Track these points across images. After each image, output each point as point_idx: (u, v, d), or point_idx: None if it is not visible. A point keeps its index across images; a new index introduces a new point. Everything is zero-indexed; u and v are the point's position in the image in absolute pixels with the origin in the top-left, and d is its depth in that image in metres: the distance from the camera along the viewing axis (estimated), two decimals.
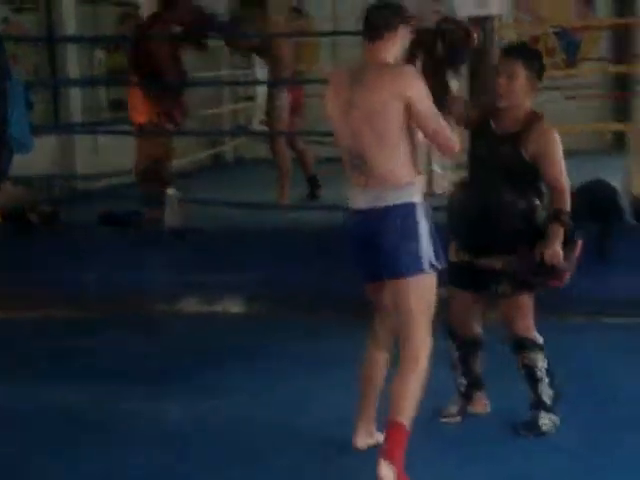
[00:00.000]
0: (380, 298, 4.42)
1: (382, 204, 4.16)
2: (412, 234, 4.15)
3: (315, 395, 5.33)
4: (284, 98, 9.12)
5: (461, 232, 4.72)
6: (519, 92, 4.56)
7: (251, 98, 12.72)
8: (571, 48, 9.30)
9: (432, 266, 4.20)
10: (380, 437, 4.44)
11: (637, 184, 7.74)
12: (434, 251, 4.21)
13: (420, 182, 4.28)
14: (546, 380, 4.71)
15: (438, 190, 8.50)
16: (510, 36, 8.46)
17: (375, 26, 4.22)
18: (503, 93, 4.56)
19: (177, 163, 11.56)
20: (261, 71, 9.24)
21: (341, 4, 13.42)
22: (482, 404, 5.00)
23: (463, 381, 4.93)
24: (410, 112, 4.12)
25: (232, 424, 4.97)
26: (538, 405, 4.72)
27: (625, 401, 5.05)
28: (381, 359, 4.52)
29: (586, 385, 5.27)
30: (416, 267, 4.16)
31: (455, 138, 4.24)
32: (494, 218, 4.53)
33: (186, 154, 11.61)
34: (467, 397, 4.96)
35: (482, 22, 6.85)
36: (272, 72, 9.41)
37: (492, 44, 6.89)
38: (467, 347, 4.89)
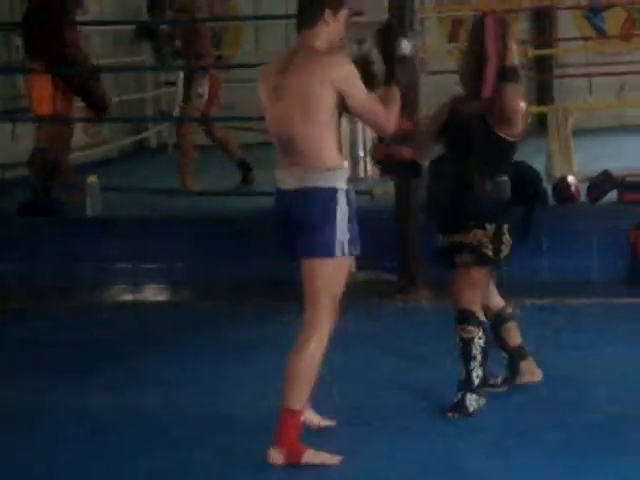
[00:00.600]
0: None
1: (304, 185, 4.21)
2: (329, 218, 4.21)
3: (242, 383, 5.30)
4: (205, 85, 9.04)
5: (436, 216, 4.87)
6: None
7: (173, 83, 12.58)
8: None
9: (344, 252, 4.25)
10: (316, 420, 4.51)
11: (557, 166, 7.82)
12: (350, 238, 4.26)
13: (346, 168, 4.30)
14: (479, 359, 4.73)
15: (361, 174, 8.53)
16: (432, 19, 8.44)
17: (303, 14, 4.26)
18: None
19: (100, 150, 11.45)
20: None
21: None
22: (531, 372, 5.02)
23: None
24: (340, 97, 4.15)
25: (159, 413, 4.92)
26: (466, 385, 4.73)
27: (551, 380, 5.08)
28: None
29: None
30: (326, 251, 4.22)
31: (390, 118, 4.29)
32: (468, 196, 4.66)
33: (109, 141, 11.48)
34: (513, 371, 4.98)
35: (402, 4, 6.82)
36: (191, 58, 9.29)
37: (412, 27, 6.88)
38: (495, 322, 4.92)
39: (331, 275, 4.26)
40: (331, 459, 4.23)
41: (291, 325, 6.15)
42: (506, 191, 4.75)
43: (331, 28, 4.25)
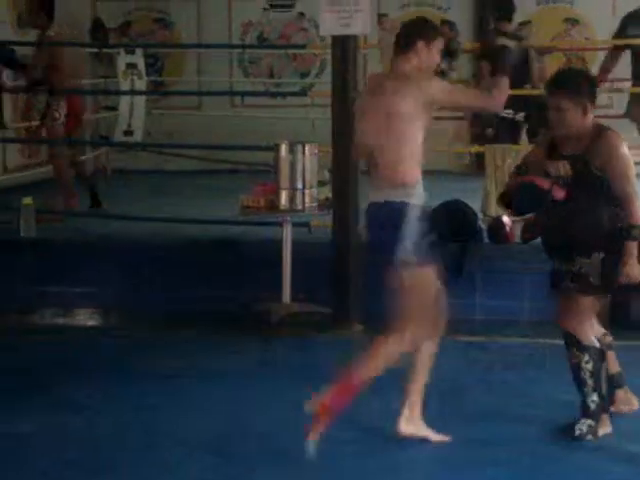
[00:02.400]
0: None
1: (385, 199, 4.61)
2: (401, 230, 4.57)
3: (167, 413, 5.26)
4: (61, 109, 9.02)
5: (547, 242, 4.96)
6: (571, 121, 4.68)
7: (113, 108, 12.52)
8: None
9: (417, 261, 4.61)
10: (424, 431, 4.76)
11: (493, 205, 7.89)
12: (419, 250, 4.61)
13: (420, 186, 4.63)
14: (590, 384, 4.75)
15: (299, 206, 8.51)
16: (375, 55, 8.50)
17: (400, 41, 4.69)
18: (555, 125, 4.72)
19: (36, 172, 11.34)
20: (124, 82, 9.12)
21: (207, 16, 13.37)
22: (627, 401, 5.05)
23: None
24: (431, 107, 4.57)
25: (85, 440, 4.87)
26: (582, 410, 4.78)
27: (480, 416, 5.12)
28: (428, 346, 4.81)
29: (447, 402, 5.32)
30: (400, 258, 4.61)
31: (495, 96, 4.69)
32: (572, 226, 4.73)
33: (46, 163, 11.37)
34: (609, 400, 4.95)
35: (345, 41, 6.87)
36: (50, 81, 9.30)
37: (354, 63, 6.93)
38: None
39: (412, 282, 4.68)
40: None
41: (220, 357, 6.17)
42: (616, 222, 4.77)
43: (423, 56, 4.64)
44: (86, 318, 7.39)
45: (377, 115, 4.58)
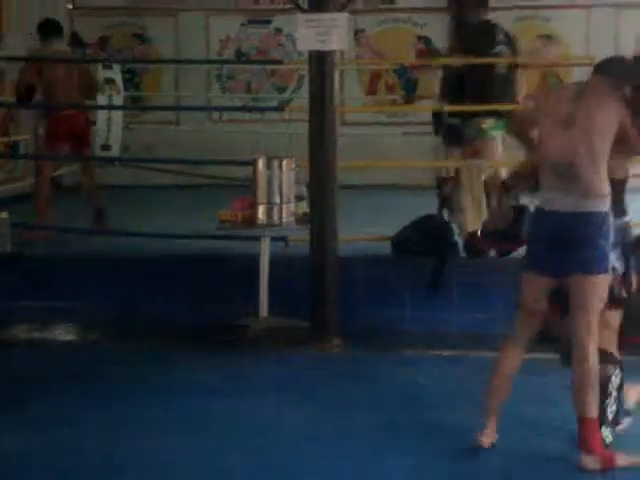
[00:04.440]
0: (540, 297, 4.80)
1: (583, 210, 4.67)
2: (603, 239, 4.68)
3: (141, 427, 5.25)
4: (42, 126, 9.10)
5: None
6: None
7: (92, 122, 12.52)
8: (410, 85, 9.53)
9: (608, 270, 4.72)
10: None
11: (469, 220, 7.95)
12: (613, 258, 4.75)
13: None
14: (614, 395, 4.86)
15: (276, 221, 8.52)
16: (351, 71, 8.55)
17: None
18: None
19: (13, 186, 11.32)
20: (101, 97, 9.12)
21: (184, 32, 13.40)
22: None
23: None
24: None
25: (62, 456, 4.85)
26: (600, 419, 4.78)
27: (446, 430, 5.15)
28: (518, 359, 4.87)
29: (420, 416, 5.36)
30: (601, 267, 4.69)
31: None
32: None
33: (23, 178, 11.36)
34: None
35: (322, 57, 6.92)
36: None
37: (331, 79, 6.97)
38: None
39: (603, 291, 4.72)
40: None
41: (196, 371, 6.17)
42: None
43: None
44: (62, 333, 7.37)
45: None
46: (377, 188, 10.53)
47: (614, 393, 4.88)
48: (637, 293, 5.69)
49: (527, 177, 5.09)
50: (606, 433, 4.81)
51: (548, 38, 12.37)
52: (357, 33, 12.41)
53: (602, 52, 11.50)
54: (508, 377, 4.90)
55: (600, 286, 4.70)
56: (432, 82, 12.36)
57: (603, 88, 4.78)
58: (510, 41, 8.32)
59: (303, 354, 6.66)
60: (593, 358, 4.70)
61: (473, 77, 8.14)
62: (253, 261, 7.09)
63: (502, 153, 8.21)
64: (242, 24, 13.41)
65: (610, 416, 4.87)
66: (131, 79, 13.11)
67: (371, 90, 13.36)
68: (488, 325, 6.82)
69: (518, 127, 5.19)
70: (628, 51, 11.04)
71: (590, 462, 4.66)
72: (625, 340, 6.20)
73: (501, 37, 8.23)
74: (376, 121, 12.42)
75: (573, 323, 4.75)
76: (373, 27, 12.89)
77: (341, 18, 6.87)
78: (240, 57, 13.45)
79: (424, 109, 8.32)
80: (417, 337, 6.83)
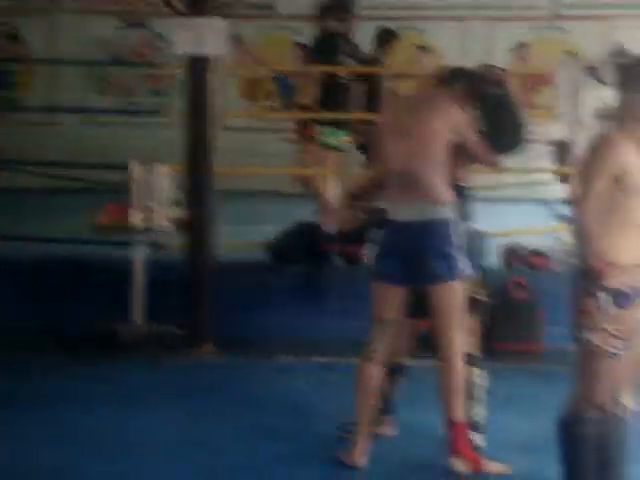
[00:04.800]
0: (393, 306, 4.80)
1: (427, 218, 4.72)
2: (449, 246, 4.73)
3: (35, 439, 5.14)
4: None
5: None
6: None
7: None
8: (287, 92, 9.53)
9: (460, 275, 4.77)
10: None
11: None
12: (462, 263, 4.78)
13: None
14: (482, 399, 4.91)
15: (152, 226, 8.43)
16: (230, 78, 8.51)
17: None
18: None
19: None
20: None
21: (60, 33, 13.16)
22: (389, 426, 5.17)
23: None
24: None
25: None
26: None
27: (325, 436, 5.15)
28: (379, 371, 4.87)
29: (294, 423, 5.37)
30: (452, 275, 4.75)
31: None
32: None
33: None
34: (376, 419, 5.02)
35: (199, 61, 6.87)
36: None
37: (208, 84, 6.93)
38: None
39: (460, 296, 4.80)
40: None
41: (65, 379, 6.04)
42: None
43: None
44: None
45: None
46: (256, 194, 10.52)
47: (481, 396, 4.95)
48: (510, 301, 5.84)
49: (371, 189, 5.12)
50: (475, 437, 4.88)
51: (423, 49, 12.55)
52: (235, 39, 12.36)
53: (476, 63, 11.74)
54: (374, 391, 4.87)
55: (456, 292, 4.78)
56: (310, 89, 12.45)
57: (440, 98, 4.85)
58: (357, 52, 8.46)
59: (176, 361, 6.59)
60: (458, 363, 4.79)
61: (320, 86, 8.25)
62: (128, 267, 6.99)
63: (338, 163, 8.28)
64: (119, 26, 13.24)
65: (479, 420, 4.93)
66: (4, 80, 12.81)
67: (249, 96, 13.33)
68: (363, 332, 6.87)
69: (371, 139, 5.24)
70: (502, 63, 11.31)
71: (460, 465, 4.74)
72: (499, 347, 6.35)
73: (345, 48, 8.33)
74: (255, 127, 12.40)
75: (438, 330, 4.82)
76: (252, 33, 12.88)
77: (217, 23, 6.84)
78: (117, 59, 13.27)
79: (297, 115, 8.32)
80: (292, 344, 6.83)
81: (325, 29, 8.41)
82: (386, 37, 9.36)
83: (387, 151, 4.83)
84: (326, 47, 8.31)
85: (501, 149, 4.92)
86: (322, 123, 8.16)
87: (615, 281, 3.92)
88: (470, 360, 4.93)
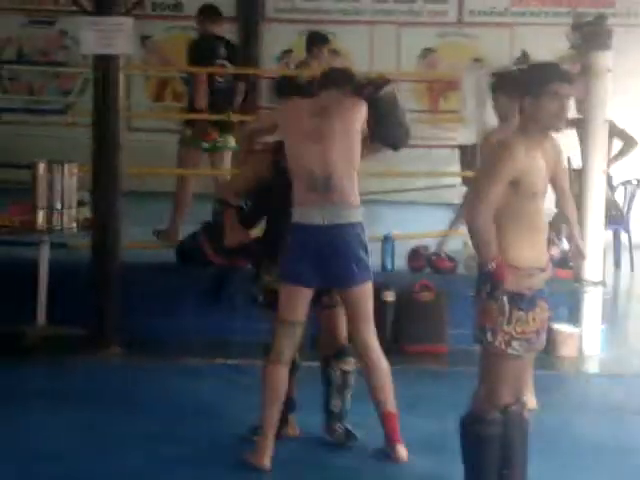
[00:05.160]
0: (302, 308, 4.81)
1: (343, 221, 4.78)
2: (364, 249, 4.84)
3: None
4: None
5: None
6: None
7: None
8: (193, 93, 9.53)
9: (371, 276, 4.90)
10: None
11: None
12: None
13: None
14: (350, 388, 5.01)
15: (57, 226, 8.31)
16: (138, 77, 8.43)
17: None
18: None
19: None
20: None
21: None
22: (292, 426, 5.17)
23: None
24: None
25: None
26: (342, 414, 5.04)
27: (234, 440, 5.14)
28: (286, 373, 4.88)
29: (201, 424, 5.34)
30: (366, 276, 4.86)
31: None
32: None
33: None
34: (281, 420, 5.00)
35: (107, 61, 6.80)
36: None
37: (116, 84, 6.86)
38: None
39: (371, 295, 4.92)
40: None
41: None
42: None
43: None
44: None
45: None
46: (165, 195, 10.45)
47: (343, 388, 5.06)
48: (416, 303, 5.89)
49: (240, 191, 5.10)
50: (340, 426, 5.02)
51: (334, 52, 12.61)
52: (144, 39, 12.28)
53: (385, 68, 11.89)
54: (282, 394, 4.87)
55: (369, 292, 4.91)
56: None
57: (343, 100, 4.91)
58: (234, 55, 8.52)
59: (81, 363, 6.51)
60: (382, 360, 4.94)
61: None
62: (32, 268, 6.89)
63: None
64: (24, 24, 13.03)
65: (334, 410, 5.05)
66: None
67: (158, 97, 13.23)
68: (270, 334, 6.88)
69: (248, 141, 5.19)
70: (410, 68, 11.41)
71: (404, 452, 4.89)
72: (404, 348, 6.41)
73: (222, 51, 8.38)
74: (164, 128, 12.30)
75: (357, 332, 4.90)
76: (160, 33, 12.79)
77: (126, 22, 6.79)
78: (22, 58, 13.05)
79: (206, 117, 8.29)
80: (199, 346, 6.81)
81: (203, 32, 8.47)
82: (316, 41, 9.44)
83: (297, 156, 4.80)
84: (202, 50, 8.38)
85: (385, 145, 5.05)
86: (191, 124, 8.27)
87: (514, 284, 3.98)
88: (348, 352, 5.04)
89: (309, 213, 4.78)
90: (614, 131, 8.17)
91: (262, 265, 5.03)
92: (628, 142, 8.90)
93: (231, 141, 8.32)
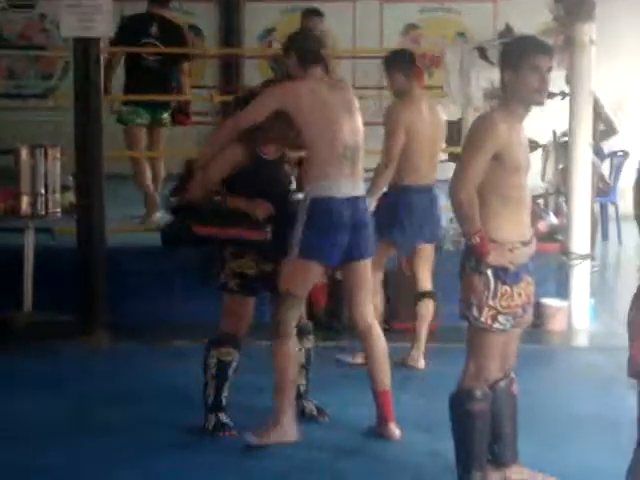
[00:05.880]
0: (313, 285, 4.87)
1: (363, 193, 4.91)
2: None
3: None
4: None
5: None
6: None
7: None
8: (175, 75, 9.42)
9: None
10: None
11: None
12: None
13: None
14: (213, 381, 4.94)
15: (42, 212, 8.28)
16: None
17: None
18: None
19: None
20: None
21: None
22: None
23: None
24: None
25: None
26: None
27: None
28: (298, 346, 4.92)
29: (189, 407, 5.28)
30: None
31: None
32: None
33: None
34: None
35: (87, 43, 6.74)
36: None
37: (97, 66, 6.81)
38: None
39: None
40: None
41: None
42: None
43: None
44: None
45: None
46: None
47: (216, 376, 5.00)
48: (404, 281, 5.86)
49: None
50: (221, 417, 4.95)
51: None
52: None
53: (368, 44, 11.80)
54: (296, 367, 4.88)
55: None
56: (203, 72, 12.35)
57: (338, 80, 5.03)
58: (171, 34, 8.24)
59: (69, 348, 6.49)
60: (379, 330, 5.01)
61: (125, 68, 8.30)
62: (17, 253, 6.85)
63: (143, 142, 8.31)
64: (3, 7, 12.92)
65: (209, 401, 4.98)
66: None
67: None
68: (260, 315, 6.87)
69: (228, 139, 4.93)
70: (392, 44, 11.34)
71: (396, 430, 4.90)
72: (395, 326, 6.39)
73: (153, 30, 8.20)
74: None
75: (363, 304, 4.94)
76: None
77: (106, 4, 6.73)
78: (2, 42, 12.95)
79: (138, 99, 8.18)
80: (187, 328, 6.77)
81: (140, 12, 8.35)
82: (310, 16, 9.32)
83: (328, 128, 4.73)
84: (127, 30, 8.24)
85: None
86: (125, 104, 8.18)
87: (499, 258, 3.96)
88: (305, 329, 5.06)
89: (338, 185, 4.75)
90: (597, 110, 8.12)
91: (228, 249, 4.91)
92: (609, 127, 8.85)
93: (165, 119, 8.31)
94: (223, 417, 4.96)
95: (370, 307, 4.97)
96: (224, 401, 4.97)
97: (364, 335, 4.96)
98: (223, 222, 4.82)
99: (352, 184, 4.79)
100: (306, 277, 4.79)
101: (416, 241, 6.13)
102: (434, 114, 6.12)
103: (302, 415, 5.09)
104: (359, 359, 5.87)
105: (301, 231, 4.72)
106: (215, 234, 4.84)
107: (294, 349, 4.81)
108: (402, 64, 6.07)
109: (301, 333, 5.01)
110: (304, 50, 4.91)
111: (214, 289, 4.97)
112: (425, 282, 6.24)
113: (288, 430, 4.75)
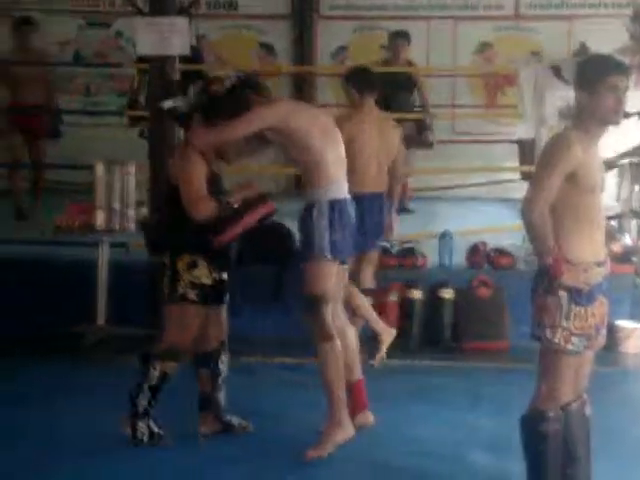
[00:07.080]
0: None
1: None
2: None
3: None
4: None
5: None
6: None
7: None
8: None
9: None
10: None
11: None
12: None
13: None
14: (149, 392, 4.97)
15: (117, 226, 8.38)
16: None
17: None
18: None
19: None
20: None
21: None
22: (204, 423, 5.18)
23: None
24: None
25: None
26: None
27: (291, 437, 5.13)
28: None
29: (263, 423, 5.33)
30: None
31: None
32: None
33: None
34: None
35: (164, 61, 6.82)
36: None
37: (172, 84, 6.88)
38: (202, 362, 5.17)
39: None
40: None
41: (32, 380, 5.95)
42: None
43: None
44: None
45: None
46: None
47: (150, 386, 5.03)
48: (475, 300, 5.83)
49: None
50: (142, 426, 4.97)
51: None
52: (199, 39, 12.31)
53: (441, 63, 11.75)
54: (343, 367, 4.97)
55: None
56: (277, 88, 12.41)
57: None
58: None
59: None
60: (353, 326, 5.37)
61: None
62: (91, 268, 6.93)
63: None
64: (81, 26, 13.13)
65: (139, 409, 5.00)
66: None
67: None
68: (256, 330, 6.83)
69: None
70: (466, 61, 11.26)
71: (369, 417, 5.12)
72: (465, 346, 6.34)
73: None
74: None
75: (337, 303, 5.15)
76: (215, 33, 12.81)
77: (181, 22, 6.81)
78: (79, 60, 13.15)
79: None
80: (257, 345, 6.77)
81: None
82: (398, 38, 9.65)
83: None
84: None
85: None
86: None
87: (573, 279, 3.92)
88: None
89: (342, 187, 5.00)
90: None
91: (181, 260, 4.97)
92: None
93: None
94: (154, 427, 5.01)
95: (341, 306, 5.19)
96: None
97: (338, 331, 4.99)
98: (235, 218, 4.90)
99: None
100: (327, 276, 4.89)
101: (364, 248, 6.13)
102: (384, 128, 6.37)
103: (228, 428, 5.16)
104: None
105: (328, 232, 4.83)
106: (238, 232, 4.92)
107: (339, 349, 4.88)
108: (356, 81, 6.34)
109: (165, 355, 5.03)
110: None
111: (169, 302, 5.07)
112: (365, 281, 6.32)
113: (348, 427, 4.85)
